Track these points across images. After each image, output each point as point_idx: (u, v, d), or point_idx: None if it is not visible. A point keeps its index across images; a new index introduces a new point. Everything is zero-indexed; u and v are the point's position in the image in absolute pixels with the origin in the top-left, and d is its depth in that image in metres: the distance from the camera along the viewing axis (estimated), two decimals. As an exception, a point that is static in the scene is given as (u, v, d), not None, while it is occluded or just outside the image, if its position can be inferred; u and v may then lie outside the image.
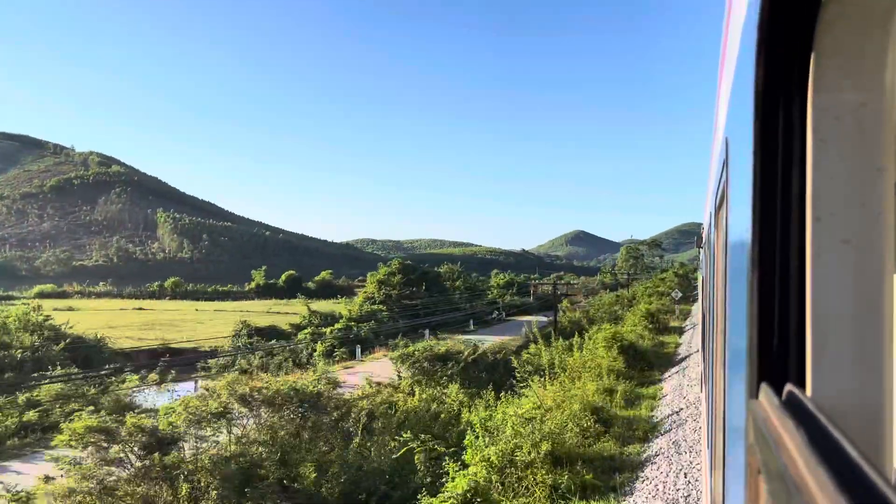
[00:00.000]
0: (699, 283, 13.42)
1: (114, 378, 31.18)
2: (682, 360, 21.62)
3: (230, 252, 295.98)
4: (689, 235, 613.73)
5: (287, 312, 76.65)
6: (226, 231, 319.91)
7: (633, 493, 9.44)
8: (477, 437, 11.79)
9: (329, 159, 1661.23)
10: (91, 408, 18.86)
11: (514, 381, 21.29)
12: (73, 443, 13.46)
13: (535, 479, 9.75)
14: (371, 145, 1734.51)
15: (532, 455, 10.10)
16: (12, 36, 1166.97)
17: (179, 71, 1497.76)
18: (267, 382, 17.04)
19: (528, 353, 23.92)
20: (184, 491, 12.45)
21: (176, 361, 38.04)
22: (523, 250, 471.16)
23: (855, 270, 0.85)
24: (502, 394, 19.70)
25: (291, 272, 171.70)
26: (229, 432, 15.21)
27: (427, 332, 52.35)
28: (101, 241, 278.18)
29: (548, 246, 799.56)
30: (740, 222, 1.24)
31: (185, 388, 27.61)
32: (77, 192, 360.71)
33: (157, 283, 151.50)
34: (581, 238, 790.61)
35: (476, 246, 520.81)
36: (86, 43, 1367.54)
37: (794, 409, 0.69)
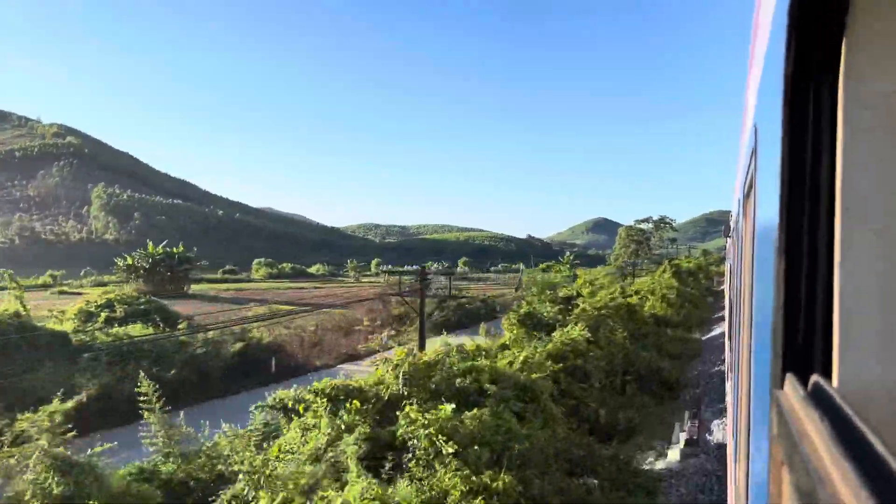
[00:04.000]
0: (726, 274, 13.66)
1: None
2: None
3: (168, 234, 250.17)
4: (716, 224, 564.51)
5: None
6: (169, 209, 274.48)
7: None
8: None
9: (339, 143, 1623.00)
10: None
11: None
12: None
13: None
14: (388, 131, 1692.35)
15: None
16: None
17: (181, 52, 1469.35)
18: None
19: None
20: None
21: None
22: (529, 236, 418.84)
23: (884, 260, 0.82)
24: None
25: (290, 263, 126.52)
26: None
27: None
28: (5, 220, 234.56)
29: (567, 234, 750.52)
30: (768, 211, 1.19)
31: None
32: (17, 165, 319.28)
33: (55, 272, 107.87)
34: (601, 225, 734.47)
35: (486, 232, 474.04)
36: (82, 15, 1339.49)
37: (820, 400, 0.67)
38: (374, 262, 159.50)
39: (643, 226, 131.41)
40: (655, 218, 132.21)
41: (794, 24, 0.89)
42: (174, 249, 73.79)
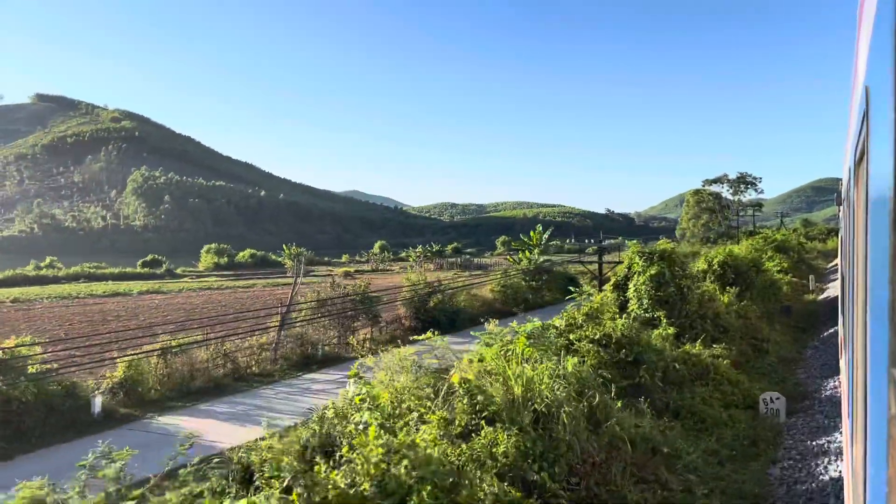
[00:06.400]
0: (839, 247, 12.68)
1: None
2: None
3: (198, 216, 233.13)
4: (824, 193, 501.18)
5: None
6: (208, 191, 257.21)
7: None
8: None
9: (432, 131, 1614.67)
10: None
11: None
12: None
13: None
14: (474, 112, 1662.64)
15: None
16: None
17: (248, 40, 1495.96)
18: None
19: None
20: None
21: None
22: (609, 211, 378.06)
23: None
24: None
25: (252, 250, 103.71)
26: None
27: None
28: (25, 207, 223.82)
29: (659, 208, 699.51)
30: (882, 177, 1.09)
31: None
32: (70, 151, 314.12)
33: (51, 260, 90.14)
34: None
35: (561, 207, 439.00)
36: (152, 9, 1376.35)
37: None
38: (417, 246, 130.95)
39: (716, 188, 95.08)
40: (733, 176, 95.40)
41: None
42: None
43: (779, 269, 39.93)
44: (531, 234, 48.17)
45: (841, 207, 9.18)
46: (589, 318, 14.05)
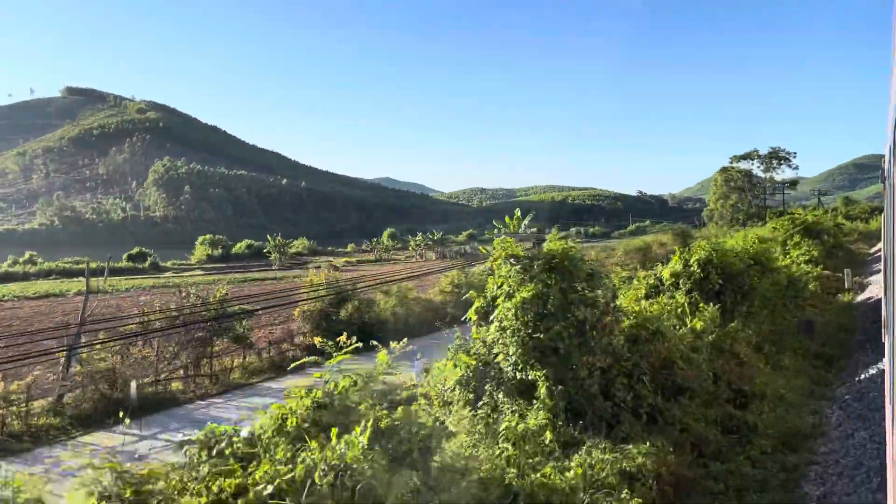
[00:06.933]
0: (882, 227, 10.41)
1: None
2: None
3: (219, 205, 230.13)
4: (866, 170, 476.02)
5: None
6: (229, 181, 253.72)
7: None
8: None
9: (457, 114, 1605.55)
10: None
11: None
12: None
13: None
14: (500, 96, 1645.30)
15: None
16: None
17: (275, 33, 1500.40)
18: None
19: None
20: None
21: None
22: (640, 192, 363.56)
23: None
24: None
25: (249, 241, 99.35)
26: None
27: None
28: (46, 199, 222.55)
29: (696, 188, 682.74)
30: None
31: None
32: (95, 143, 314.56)
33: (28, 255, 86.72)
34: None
35: (592, 189, 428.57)
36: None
37: None
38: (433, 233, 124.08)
39: (746, 165, 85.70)
40: (764, 152, 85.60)
41: None
42: None
43: (806, 258, 31.89)
44: (506, 220, 40.69)
45: (885, 185, 7.42)
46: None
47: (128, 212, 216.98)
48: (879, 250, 33.17)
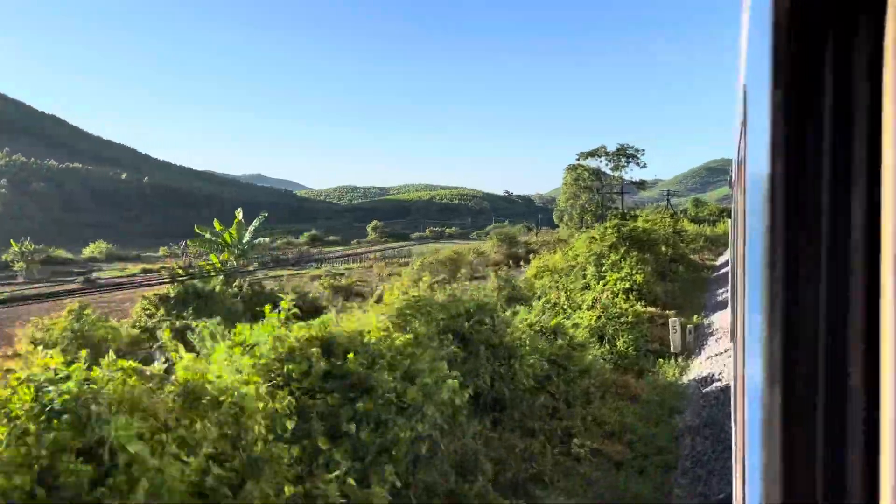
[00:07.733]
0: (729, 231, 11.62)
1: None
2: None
3: (43, 202, 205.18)
4: (718, 173, 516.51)
5: None
6: (59, 175, 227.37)
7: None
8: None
9: (333, 110, 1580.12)
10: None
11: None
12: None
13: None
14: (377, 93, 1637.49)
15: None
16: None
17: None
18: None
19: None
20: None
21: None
22: (507, 192, 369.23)
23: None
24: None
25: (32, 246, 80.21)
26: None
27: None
28: None
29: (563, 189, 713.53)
30: (759, 153, 0.99)
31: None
32: None
33: None
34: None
35: (460, 189, 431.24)
36: None
37: None
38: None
39: (592, 162, 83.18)
40: (611, 149, 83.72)
41: None
42: None
43: (626, 285, 21.53)
44: (216, 225, 34.49)
45: (733, 189, 6.59)
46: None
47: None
48: (727, 262, 21.75)
